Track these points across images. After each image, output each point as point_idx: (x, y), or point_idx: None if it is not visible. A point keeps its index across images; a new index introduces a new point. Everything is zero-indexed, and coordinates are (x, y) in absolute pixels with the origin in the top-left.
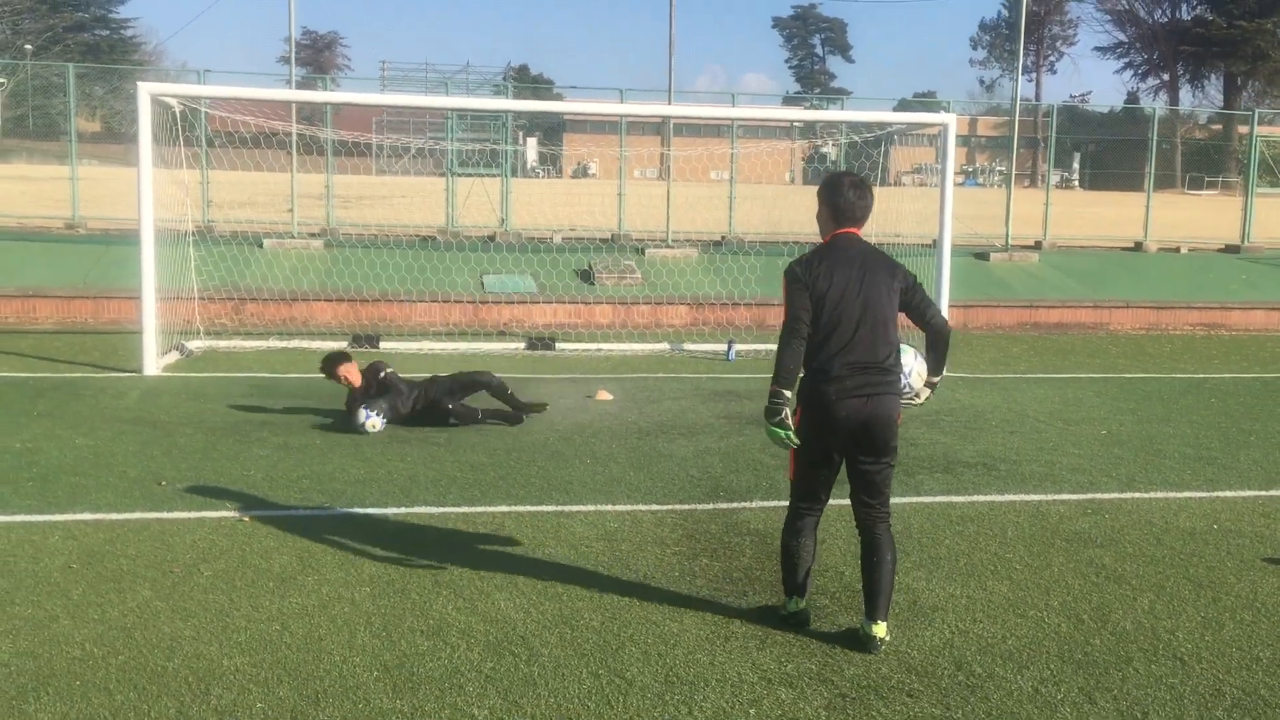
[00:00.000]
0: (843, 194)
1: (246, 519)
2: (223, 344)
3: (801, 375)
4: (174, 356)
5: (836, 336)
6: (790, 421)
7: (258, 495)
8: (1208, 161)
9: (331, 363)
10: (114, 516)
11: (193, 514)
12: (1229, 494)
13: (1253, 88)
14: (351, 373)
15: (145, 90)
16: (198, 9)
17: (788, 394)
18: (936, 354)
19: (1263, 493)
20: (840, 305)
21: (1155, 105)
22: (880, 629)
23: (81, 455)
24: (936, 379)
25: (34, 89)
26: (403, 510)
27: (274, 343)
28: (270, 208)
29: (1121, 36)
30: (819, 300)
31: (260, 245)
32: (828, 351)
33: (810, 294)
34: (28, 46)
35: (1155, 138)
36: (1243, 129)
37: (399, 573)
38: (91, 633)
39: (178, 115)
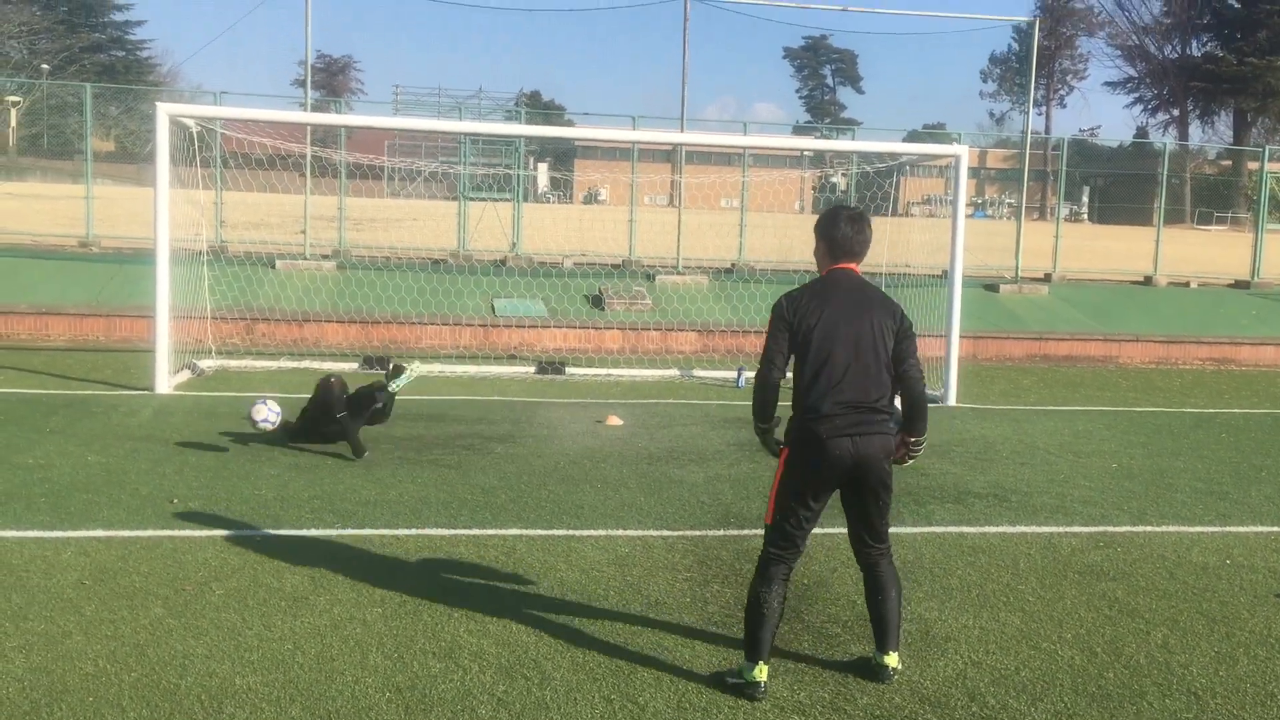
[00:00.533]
0: (839, 228)
1: (257, 536)
2: (234, 363)
3: (791, 415)
4: (185, 375)
5: (825, 375)
6: (777, 440)
7: (269, 514)
8: (1217, 197)
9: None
10: (126, 534)
11: (204, 532)
12: (1241, 529)
13: (1263, 124)
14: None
15: (164, 110)
16: (214, 32)
17: (765, 426)
18: (905, 407)
19: (1275, 529)
20: (828, 342)
21: (1165, 140)
22: (892, 659)
23: (93, 472)
24: (914, 439)
25: (49, 108)
26: (414, 532)
27: (285, 363)
28: (283, 229)
29: (1131, 72)
30: (805, 338)
31: (273, 266)
32: (818, 390)
33: (794, 332)
34: (44, 66)
35: (1165, 172)
36: (1253, 165)
37: (411, 594)
38: (104, 649)
39: (194, 136)
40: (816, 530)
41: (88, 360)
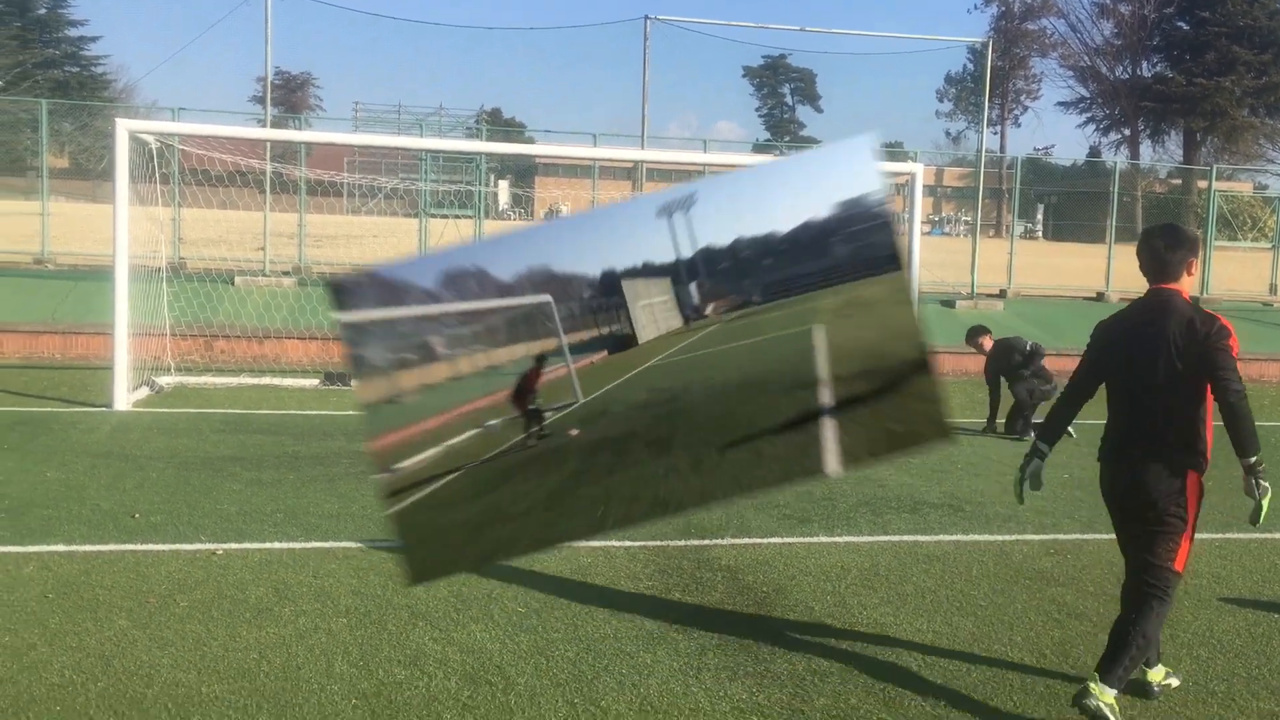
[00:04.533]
0: (1144, 246)
1: (219, 551)
2: (193, 380)
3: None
4: (144, 392)
5: (1115, 404)
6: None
7: (232, 529)
8: (1167, 215)
9: (973, 333)
10: (88, 548)
11: (167, 546)
12: None
13: (1211, 144)
14: (986, 341)
15: (123, 126)
16: (171, 49)
17: (1042, 446)
18: (1230, 431)
19: (1218, 535)
20: (1120, 369)
21: (1116, 159)
22: (1094, 684)
23: (52, 488)
24: (1250, 460)
25: (1, 124)
26: (379, 544)
27: (245, 379)
28: (242, 245)
29: (1084, 92)
30: (1104, 363)
31: (231, 282)
32: (1112, 419)
33: (1097, 356)
34: None
35: (1116, 191)
36: (1202, 184)
37: (375, 604)
38: (70, 660)
39: (153, 152)
40: (774, 540)
41: (44, 377)
